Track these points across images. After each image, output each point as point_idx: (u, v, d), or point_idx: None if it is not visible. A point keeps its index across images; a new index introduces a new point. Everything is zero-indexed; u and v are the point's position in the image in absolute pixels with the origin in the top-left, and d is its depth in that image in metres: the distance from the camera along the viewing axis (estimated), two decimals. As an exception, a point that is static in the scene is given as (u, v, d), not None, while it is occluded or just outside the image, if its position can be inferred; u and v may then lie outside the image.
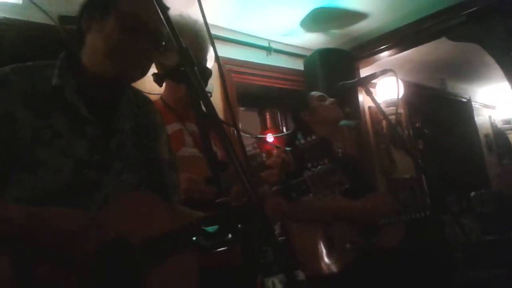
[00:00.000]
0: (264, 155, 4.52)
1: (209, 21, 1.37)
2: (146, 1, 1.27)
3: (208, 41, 1.99)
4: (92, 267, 1.10)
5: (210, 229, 1.05)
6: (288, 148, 1.89)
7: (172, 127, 1.95)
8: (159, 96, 2.16)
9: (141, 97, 1.53)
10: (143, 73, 1.39)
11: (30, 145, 1.19)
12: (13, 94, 1.21)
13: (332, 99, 2.81)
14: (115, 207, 1.23)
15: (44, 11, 2.66)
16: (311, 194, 1.58)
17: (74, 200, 1.21)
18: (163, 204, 1.30)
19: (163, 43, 1.35)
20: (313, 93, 2.90)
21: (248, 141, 4.48)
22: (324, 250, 2.42)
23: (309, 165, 1.60)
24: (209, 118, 0.94)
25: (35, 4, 2.64)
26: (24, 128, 1.19)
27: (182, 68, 0.97)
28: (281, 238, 2.49)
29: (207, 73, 1.83)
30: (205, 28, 1.86)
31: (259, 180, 1.87)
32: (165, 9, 1.05)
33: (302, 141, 1.73)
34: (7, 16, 2.57)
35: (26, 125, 1.19)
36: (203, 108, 0.94)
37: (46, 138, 1.21)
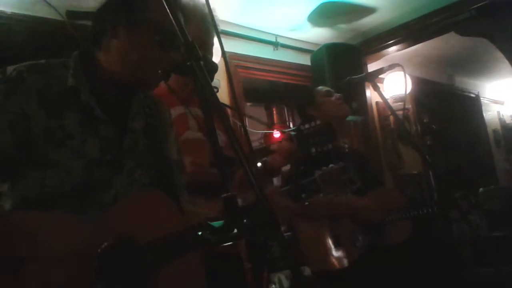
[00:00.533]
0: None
1: (216, 15, 1.37)
2: None
3: (210, 34, 1.98)
4: (98, 268, 1.09)
5: (216, 223, 1.05)
6: (292, 133, 1.88)
7: (176, 111, 1.95)
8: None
9: (152, 98, 1.53)
10: (159, 82, 1.41)
11: (42, 145, 1.19)
12: (28, 92, 1.21)
13: (338, 95, 2.79)
14: (122, 206, 1.23)
15: (52, 6, 2.67)
16: (321, 194, 1.57)
17: (83, 199, 1.21)
18: (171, 203, 1.31)
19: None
20: (319, 87, 2.88)
21: (254, 136, 4.49)
22: (331, 247, 2.41)
23: (313, 149, 1.59)
24: (215, 109, 0.94)
25: (43, -1, 2.65)
26: (37, 127, 1.19)
27: (188, 63, 0.97)
28: (287, 233, 2.49)
29: (213, 67, 1.83)
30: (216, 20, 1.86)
31: (264, 165, 1.88)
32: (171, 2, 1.03)
33: (307, 125, 1.73)
34: (15, 11, 2.58)
35: (39, 124, 1.19)
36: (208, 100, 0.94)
37: (58, 138, 1.20)
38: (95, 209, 1.21)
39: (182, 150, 1.60)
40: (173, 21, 1.00)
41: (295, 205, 1.58)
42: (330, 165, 1.60)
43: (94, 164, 1.24)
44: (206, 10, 1.96)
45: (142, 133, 1.40)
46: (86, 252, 1.10)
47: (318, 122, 1.83)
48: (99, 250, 1.11)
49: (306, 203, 1.57)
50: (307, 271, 2.36)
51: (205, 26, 1.94)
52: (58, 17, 2.66)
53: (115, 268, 1.11)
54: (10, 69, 1.24)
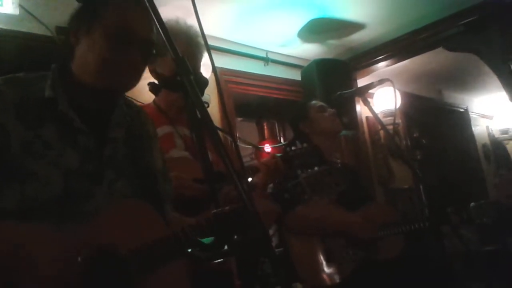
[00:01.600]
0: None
1: (206, 32, 1.37)
2: (134, 10, 1.25)
3: (202, 48, 1.99)
4: (78, 282, 1.08)
5: (206, 240, 1.04)
6: (278, 154, 1.88)
7: (163, 130, 1.95)
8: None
9: (134, 107, 1.51)
10: (134, 83, 1.37)
11: (20, 156, 1.17)
12: (5, 105, 1.20)
13: (332, 110, 2.78)
14: (103, 216, 1.21)
15: (42, 22, 2.66)
16: (306, 197, 1.56)
17: (63, 211, 1.19)
18: (152, 211, 1.29)
19: (154, 51, 1.34)
20: (313, 102, 2.87)
21: (245, 152, 4.48)
22: (323, 262, 2.39)
23: (299, 171, 1.59)
24: (205, 126, 0.93)
25: (32, 15, 2.65)
26: (15, 139, 1.18)
27: (178, 78, 0.96)
28: (279, 249, 2.47)
29: (203, 82, 1.83)
30: (200, 35, 1.87)
31: (251, 186, 1.87)
32: (160, 17, 1.03)
33: (293, 147, 1.73)
34: (4, 27, 2.57)
35: (17, 136, 1.18)
36: (199, 116, 0.93)
37: (36, 149, 1.19)
38: (77, 220, 1.18)
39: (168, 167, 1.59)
40: (162, 34, 0.99)
41: (279, 207, 1.58)
42: (315, 168, 1.60)
43: (74, 175, 1.23)
44: (193, 32, 1.97)
45: (123, 143, 1.38)
46: (67, 264, 1.08)
47: (305, 145, 1.83)
48: (79, 259, 1.09)
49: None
50: (298, 287, 2.33)
51: (190, 49, 1.94)
52: (48, 33, 2.66)
53: (97, 278, 1.09)
54: None
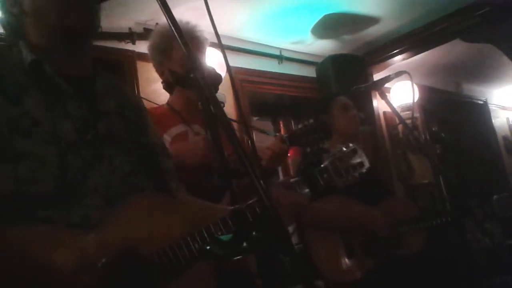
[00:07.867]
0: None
1: (220, 31, 1.36)
2: None
3: (201, 42, 1.98)
4: (102, 284, 1.06)
5: (224, 237, 1.03)
6: (285, 135, 1.85)
7: (178, 129, 1.96)
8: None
9: (115, 81, 1.42)
10: (92, 18, 1.24)
11: (7, 136, 1.08)
12: None
13: (355, 112, 2.76)
14: (122, 214, 1.16)
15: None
16: (333, 182, 1.53)
17: (62, 191, 1.10)
18: (170, 203, 1.26)
19: None
20: (340, 98, 2.82)
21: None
22: (344, 258, 2.37)
23: (308, 149, 1.56)
24: (219, 120, 0.92)
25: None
26: None
27: (191, 75, 0.96)
28: (299, 246, 2.46)
29: (217, 77, 1.82)
30: (199, 30, 1.86)
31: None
32: (172, 15, 1.01)
33: (300, 126, 1.70)
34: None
35: (0, 114, 1.09)
36: (213, 111, 0.93)
37: (24, 127, 1.10)
38: (80, 204, 1.12)
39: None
40: (174, 32, 0.98)
41: (303, 198, 1.54)
42: (341, 148, 1.56)
43: (71, 150, 1.14)
44: (190, 25, 1.97)
45: (116, 116, 1.29)
46: (88, 269, 1.05)
47: (311, 121, 1.80)
48: (99, 264, 1.06)
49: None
50: (320, 285, 2.32)
51: (189, 41, 1.93)
52: None
53: (119, 282, 1.08)
54: None
